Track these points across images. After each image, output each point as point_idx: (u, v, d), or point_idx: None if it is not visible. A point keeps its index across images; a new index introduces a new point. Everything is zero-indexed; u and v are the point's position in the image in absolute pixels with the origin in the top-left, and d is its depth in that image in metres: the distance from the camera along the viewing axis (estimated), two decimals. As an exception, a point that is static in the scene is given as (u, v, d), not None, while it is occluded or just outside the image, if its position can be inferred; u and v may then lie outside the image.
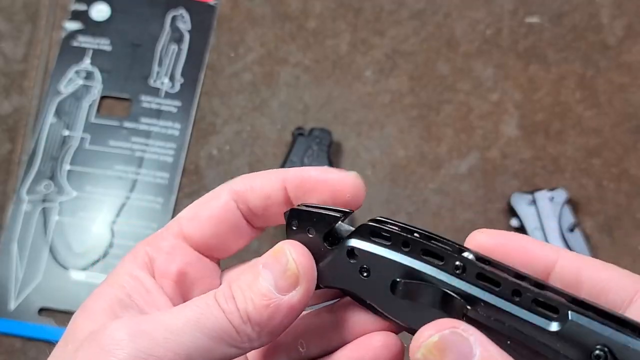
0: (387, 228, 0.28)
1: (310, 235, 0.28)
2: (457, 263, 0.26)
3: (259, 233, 0.32)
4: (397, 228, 0.28)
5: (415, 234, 0.27)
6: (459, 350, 0.23)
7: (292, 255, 0.27)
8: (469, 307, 0.25)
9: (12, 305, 0.60)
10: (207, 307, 0.27)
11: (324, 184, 0.29)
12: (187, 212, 0.31)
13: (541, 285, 0.25)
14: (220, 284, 0.31)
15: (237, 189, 0.30)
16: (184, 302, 0.29)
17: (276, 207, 0.30)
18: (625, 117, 0.66)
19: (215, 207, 0.30)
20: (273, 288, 0.27)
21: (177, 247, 0.30)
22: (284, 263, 0.27)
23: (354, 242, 0.28)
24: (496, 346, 0.24)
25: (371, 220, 0.29)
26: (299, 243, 0.28)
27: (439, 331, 0.24)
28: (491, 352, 0.23)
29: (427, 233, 0.27)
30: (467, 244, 0.27)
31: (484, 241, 0.27)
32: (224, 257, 0.32)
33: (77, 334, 0.27)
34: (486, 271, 0.25)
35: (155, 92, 0.67)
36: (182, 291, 0.30)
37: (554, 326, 0.23)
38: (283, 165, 0.62)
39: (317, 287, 0.28)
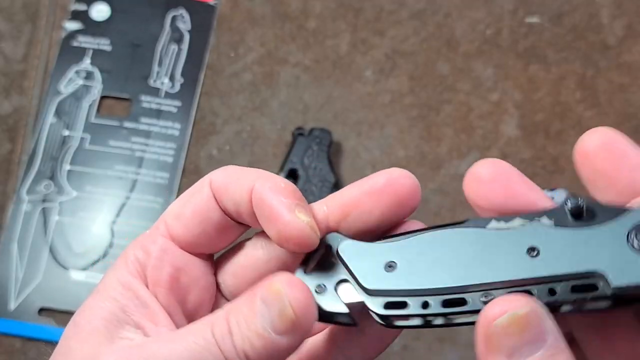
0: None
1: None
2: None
3: (246, 228, 0.30)
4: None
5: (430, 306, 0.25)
6: (536, 332, 0.23)
7: (288, 299, 0.25)
8: None
9: (12, 305, 0.60)
10: (205, 342, 0.26)
11: (275, 220, 0.27)
12: (173, 209, 0.30)
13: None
14: (216, 278, 0.30)
15: (214, 187, 0.29)
16: (181, 308, 0.29)
17: (246, 216, 0.28)
18: (626, 117, 0.66)
19: (198, 203, 0.29)
20: (270, 329, 0.25)
21: (166, 251, 0.29)
22: (280, 305, 0.25)
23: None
24: (564, 338, 0.23)
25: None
26: (298, 280, 0.26)
27: (524, 306, 0.23)
28: (560, 343, 0.23)
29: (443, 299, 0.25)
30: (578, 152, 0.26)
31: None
32: (214, 252, 0.30)
33: (70, 357, 0.27)
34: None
35: (155, 92, 0.67)
36: (178, 297, 0.29)
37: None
38: (283, 165, 0.62)
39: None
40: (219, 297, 0.31)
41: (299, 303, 0.25)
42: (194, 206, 0.29)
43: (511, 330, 0.23)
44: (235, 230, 0.30)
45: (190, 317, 0.29)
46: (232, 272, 0.30)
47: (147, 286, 0.28)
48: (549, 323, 0.23)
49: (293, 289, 0.25)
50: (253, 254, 0.30)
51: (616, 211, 0.25)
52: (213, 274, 0.30)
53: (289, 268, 0.28)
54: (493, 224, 0.26)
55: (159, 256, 0.29)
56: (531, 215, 0.26)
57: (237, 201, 0.28)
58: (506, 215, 0.26)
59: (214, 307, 0.30)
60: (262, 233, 0.29)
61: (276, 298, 0.25)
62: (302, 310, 0.25)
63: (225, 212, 0.29)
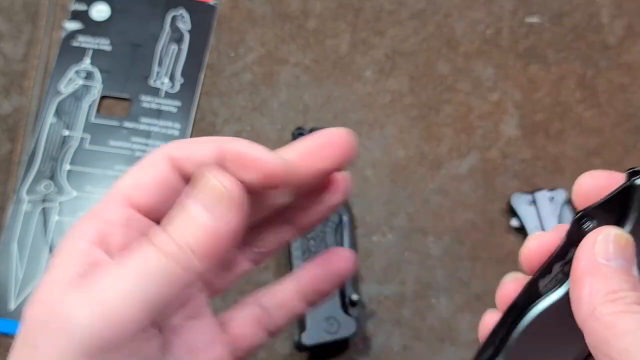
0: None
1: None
2: None
3: None
4: None
5: None
6: (630, 256, 0.27)
7: (215, 179, 0.27)
8: None
9: (12, 305, 0.60)
10: (152, 255, 0.27)
11: (257, 162, 0.29)
12: (127, 181, 0.30)
13: None
14: None
15: (174, 155, 0.30)
16: None
17: None
18: (626, 117, 0.66)
19: (157, 173, 0.30)
20: (205, 212, 0.27)
21: (132, 219, 0.30)
22: (209, 189, 0.27)
23: None
24: None
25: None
26: (218, 167, 0.28)
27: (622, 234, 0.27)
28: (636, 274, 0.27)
29: None
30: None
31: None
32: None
33: (38, 306, 0.27)
34: None
35: (155, 92, 0.67)
36: None
37: None
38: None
39: None
40: None
41: (225, 178, 0.27)
42: (154, 176, 0.30)
43: (619, 247, 0.27)
44: None
45: None
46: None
47: (110, 255, 0.29)
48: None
49: (216, 170, 0.28)
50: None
51: None
52: None
53: None
54: None
55: (126, 223, 0.29)
56: None
57: (203, 163, 0.29)
58: None
59: None
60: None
61: (204, 181, 0.27)
62: (231, 185, 0.27)
63: (183, 178, 0.30)
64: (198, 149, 0.30)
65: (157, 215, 0.30)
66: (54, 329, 0.26)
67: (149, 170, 0.30)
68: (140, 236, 0.29)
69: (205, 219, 0.27)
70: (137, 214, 0.30)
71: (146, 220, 0.30)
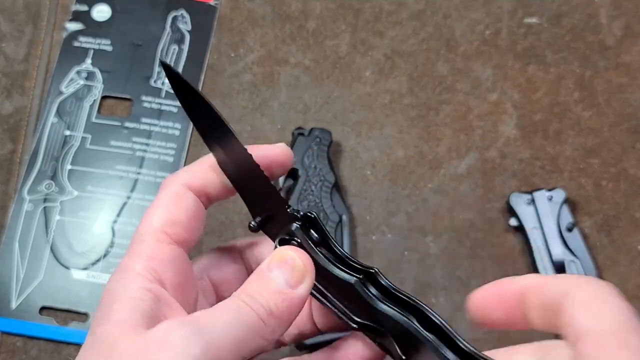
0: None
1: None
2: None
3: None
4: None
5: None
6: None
7: (297, 257, 0.32)
8: None
9: (14, 304, 0.60)
10: (241, 306, 0.30)
11: (271, 151, 0.37)
12: (161, 217, 0.33)
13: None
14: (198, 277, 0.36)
15: (197, 186, 0.34)
16: (190, 302, 0.33)
17: (219, 192, 0.35)
18: (624, 117, 0.66)
19: (189, 208, 0.34)
20: (286, 285, 0.31)
21: (177, 255, 0.33)
22: (291, 263, 0.32)
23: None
24: None
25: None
26: (296, 247, 0.33)
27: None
28: None
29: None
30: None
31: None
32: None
33: (116, 348, 0.28)
34: None
35: (156, 92, 0.67)
36: (189, 294, 0.33)
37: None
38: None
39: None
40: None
41: (304, 257, 0.33)
42: (186, 210, 0.34)
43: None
44: (204, 218, 0.36)
45: (194, 306, 0.34)
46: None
47: (165, 289, 0.32)
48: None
49: (296, 249, 0.33)
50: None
51: None
52: (193, 271, 0.35)
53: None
54: None
55: (172, 261, 0.32)
56: None
57: (224, 185, 0.35)
58: None
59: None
60: None
61: (287, 257, 0.32)
62: (309, 262, 0.32)
63: (203, 204, 0.35)
64: (216, 174, 0.34)
65: (190, 244, 0.34)
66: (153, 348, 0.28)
67: (180, 205, 0.33)
68: (189, 272, 0.33)
69: (286, 289, 0.31)
70: (179, 248, 0.33)
71: (185, 256, 0.33)
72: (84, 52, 0.68)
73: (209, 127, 0.34)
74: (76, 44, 0.68)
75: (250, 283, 0.32)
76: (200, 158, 0.35)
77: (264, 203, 0.35)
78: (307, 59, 0.68)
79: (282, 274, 0.32)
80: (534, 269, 0.60)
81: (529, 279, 0.30)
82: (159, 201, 0.33)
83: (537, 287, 0.29)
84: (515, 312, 0.30)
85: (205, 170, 0.35)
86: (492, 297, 0.31)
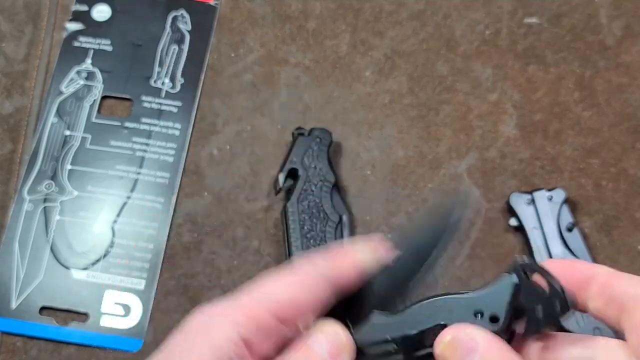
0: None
1: None
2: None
3: None
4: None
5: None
6: (466, 347, 0.32)
7: (338, 330, 0.33)
8: None
9: (14, 304, 0.60)
10: None
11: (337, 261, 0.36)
12: (276, 292, 0.33)
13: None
14: None
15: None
16: None
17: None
18: (624, 117, 0.66)
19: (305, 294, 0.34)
20: (328, 355, 0.33)
21: (272, 329, 0.33)
22: (333, 336, 0.33)
23: None
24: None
25: None
26: (335, 322, 0.34)
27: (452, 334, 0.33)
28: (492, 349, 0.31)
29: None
30: None
31: None
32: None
33: None
34: None
35: (156, 92, 0.67)
36: None
37: None
38: (283, 165, 0.63)
39: None
40: None
41: (343, 331, 0.34)
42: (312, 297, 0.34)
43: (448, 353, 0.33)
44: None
45: None
46: None
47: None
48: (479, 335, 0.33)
49: (336, 325, 0.34)
50: None
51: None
52: None
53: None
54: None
55: (266, 332, 0.33)
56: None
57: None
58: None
59: None
60: None
61: (330, 330, 0.33)
62: (347, 334, 0.34)
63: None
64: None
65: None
66: None
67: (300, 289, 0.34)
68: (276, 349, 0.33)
69: (325, 357, 0.32)
70: (281, 325, 0.33)
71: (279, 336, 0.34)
72: (84, 52, 0.68)
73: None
74: (76, 44, 0.68)
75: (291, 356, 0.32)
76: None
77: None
78: (307, 59, 0.68)
79: (321, 346, 0.33)
80: (534, 269, 0.60)
81: (602, 268, 0.32)
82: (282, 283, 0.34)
83: (609, 279, 0.31)
84: (576, 291, 0.32)
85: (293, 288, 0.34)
86: (564, 269, 0.32)
